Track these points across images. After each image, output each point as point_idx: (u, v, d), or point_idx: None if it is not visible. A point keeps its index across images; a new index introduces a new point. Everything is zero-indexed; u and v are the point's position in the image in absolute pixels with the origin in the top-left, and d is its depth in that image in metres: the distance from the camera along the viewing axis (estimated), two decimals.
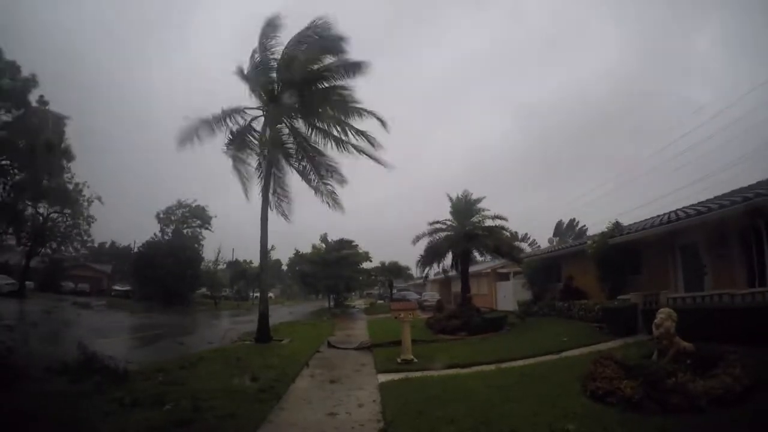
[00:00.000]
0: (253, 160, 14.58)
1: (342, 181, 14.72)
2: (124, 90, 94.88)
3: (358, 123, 13.79)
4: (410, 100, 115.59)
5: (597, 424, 4.36)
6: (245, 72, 13.66)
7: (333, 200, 14.88)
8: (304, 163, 14.93)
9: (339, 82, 13.56)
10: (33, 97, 25.90)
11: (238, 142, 13.97)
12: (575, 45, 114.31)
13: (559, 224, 47.29)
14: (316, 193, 14.89)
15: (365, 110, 13.56)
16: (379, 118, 13.51)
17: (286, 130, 14.78)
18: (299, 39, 13.44)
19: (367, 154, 13.95)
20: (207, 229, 44.44)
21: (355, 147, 13.98)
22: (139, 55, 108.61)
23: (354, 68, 13.08)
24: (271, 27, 13.56)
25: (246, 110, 14.16)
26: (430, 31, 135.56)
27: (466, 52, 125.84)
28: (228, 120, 13.81)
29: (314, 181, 14.85)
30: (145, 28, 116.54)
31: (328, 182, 14.75)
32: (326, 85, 13.68)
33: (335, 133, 14.02)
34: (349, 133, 13.81)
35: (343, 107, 13.70)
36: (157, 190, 78.11)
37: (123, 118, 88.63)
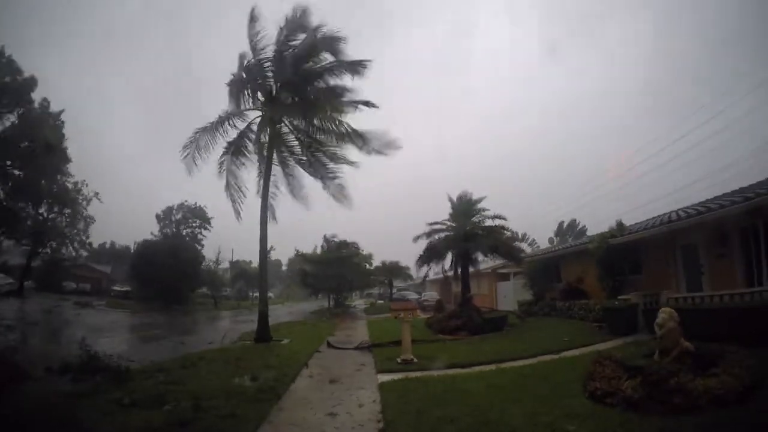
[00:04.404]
0: (253, 164, 14.64)
1: (351, 166, 14.57)
2: (125, 89, 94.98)
3: (356, 119, 13.82)
4: (412, 101, 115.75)
5: (597, 424, 4.35)
6: (241, 76, 13.71)
7: (341, 194, 14.81)
8: (309, 158, 14.91)
9: (336, 81, 13.54)
10: (34, 98, 26.02)
11: (235, 148, 13.96)
12: (573, 44, 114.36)
13: (560, 224, 47.42)
14: (323, 187, 14.89)
15: (360, 102, 13.46)
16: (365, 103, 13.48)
17: (286, 129, 14.76)
18: (288, 34, 13.34)
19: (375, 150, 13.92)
20: (206, 228, 44.57)
21: (354, 142, 13.96)
22: (139, 54, 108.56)
23: (353, 66, 13.02)
24: (254, 23, 13.40)
25: (245, 112, 14.15)
26: (434, 35, 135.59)
27: (471, 52, 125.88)
28: (227, 123, 13.76)
29: (319, 176, 14.88)
30: (147, 26, 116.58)
31: (337, 175, 14.73)
32: (323, 84, 13.66)
33: (334, 129, 14.00)
34: (346, 129, 13.82)
35: (340, 105, 13.68)
36: (158, 191, 78.31)
37: (124, 118, 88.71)
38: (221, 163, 13.94)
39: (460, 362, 8.34)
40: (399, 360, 8.75)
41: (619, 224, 14.14)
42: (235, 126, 13.98)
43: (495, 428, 4.45)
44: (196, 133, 13.46)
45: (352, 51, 13.06)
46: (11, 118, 24.96)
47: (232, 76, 13.91)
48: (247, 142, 14.23)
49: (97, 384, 6.16)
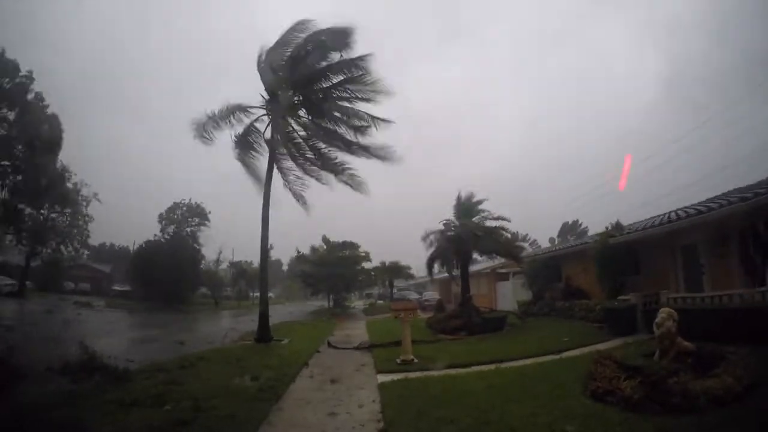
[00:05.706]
0: (258, 161, 14.64)
1: (384, 156, 14.23)
2: (126, 90, 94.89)
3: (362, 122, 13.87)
4: (413, 102, 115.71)
5: (597, 424, 4.35)
6: (258, 69, 13.79)
7: (354, 182, 14.74)
8: (310, 156, 14.89)
9: (343, 77, 13.54)
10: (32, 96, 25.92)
11: (244, 143, 14.03)
12: (573, 45, 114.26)
13: (564, 225, 47.66)
14: (337, 179, 14.84)
15: (368, 115, 13.69)
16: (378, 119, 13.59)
17: (292, 128, 14.76)
18: (308, 38, 13.44)
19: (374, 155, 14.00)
20: (205, 225, 44.70)
21: (360, 145, 14.07)
22: (140, 53, 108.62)
23: (359, 65, 13.03)
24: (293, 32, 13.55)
25: (250, 108, 14.18)
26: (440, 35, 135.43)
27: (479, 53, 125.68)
28: (233, 117, 13.84)
29: (324, 173, 14.91)
30: (149, 26, 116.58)
31: (349, 167, 14.72)
32: (331, 83, 13.68)
33: (341, 132, 14.11)
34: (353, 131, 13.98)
35: (347, 110, 13.80)
36: (158, 191, 78.33)
37: (124, 118, 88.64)
38: (235, 145, 13.81)
39: (460, 362, 8.33)
40: (399, 360, 8.74)
41: (617, 224, 14.14)
42: (240, 120, 14.13)
43: (495, 428, 4.45)
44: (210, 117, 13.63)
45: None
46: (11, 116, 24.85)
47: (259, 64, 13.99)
48: (252, 138, 14.31)
49: (97, 384, 6.16)
